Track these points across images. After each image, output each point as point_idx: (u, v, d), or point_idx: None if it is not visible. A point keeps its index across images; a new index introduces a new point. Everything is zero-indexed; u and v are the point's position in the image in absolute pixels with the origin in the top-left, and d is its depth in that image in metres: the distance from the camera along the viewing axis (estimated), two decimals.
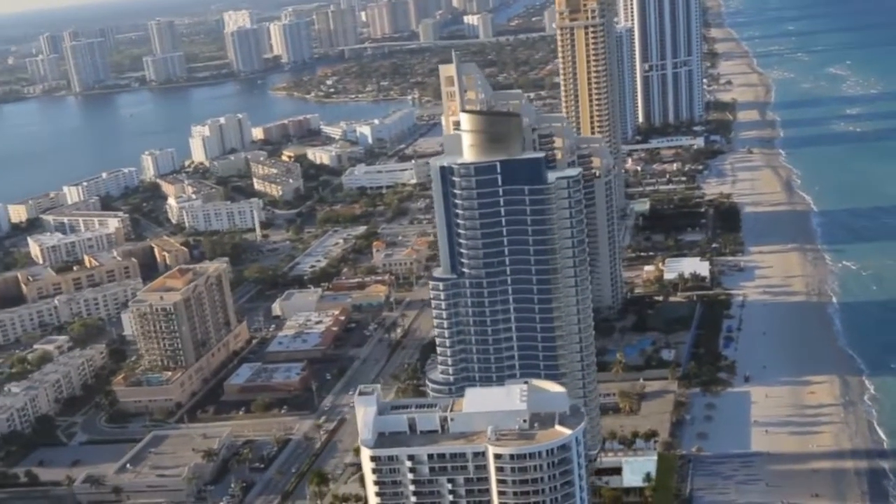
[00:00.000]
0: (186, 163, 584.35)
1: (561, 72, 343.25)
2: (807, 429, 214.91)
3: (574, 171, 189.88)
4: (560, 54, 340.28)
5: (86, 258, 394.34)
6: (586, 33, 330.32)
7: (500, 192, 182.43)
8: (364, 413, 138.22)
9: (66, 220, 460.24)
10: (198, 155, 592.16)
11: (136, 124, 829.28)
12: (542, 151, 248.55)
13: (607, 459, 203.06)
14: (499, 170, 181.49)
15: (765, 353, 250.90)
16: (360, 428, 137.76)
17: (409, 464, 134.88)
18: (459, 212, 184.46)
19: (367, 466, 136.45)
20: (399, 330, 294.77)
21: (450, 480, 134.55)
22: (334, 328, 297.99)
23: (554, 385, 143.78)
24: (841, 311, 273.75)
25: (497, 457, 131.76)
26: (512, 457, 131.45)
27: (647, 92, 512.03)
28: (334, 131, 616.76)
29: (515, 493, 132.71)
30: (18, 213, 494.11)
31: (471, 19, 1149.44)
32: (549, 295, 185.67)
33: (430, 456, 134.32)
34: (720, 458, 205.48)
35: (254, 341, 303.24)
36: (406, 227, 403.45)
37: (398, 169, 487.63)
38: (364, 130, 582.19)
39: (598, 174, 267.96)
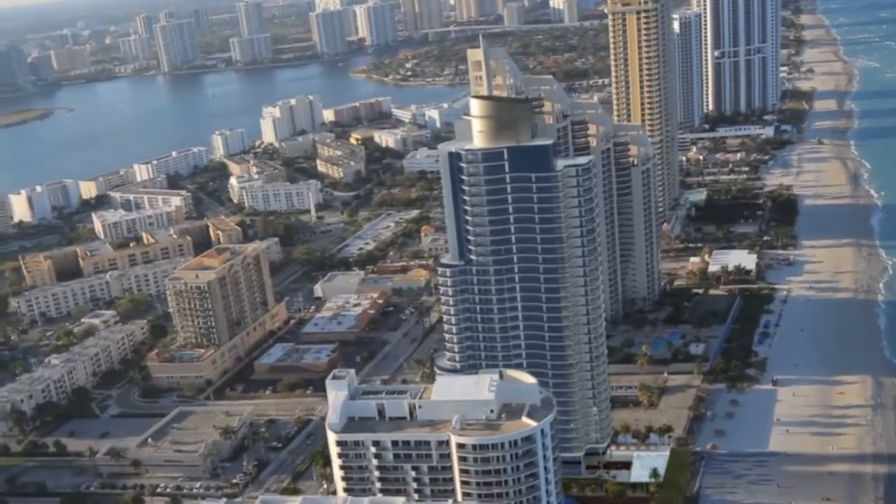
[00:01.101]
0: (256, 143, 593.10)
1: (612, 58, 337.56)
2: (830, 430, 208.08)
3: (585, 159, 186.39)
4: (611, 40, 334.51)
5: (144, 235, 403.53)
6: (638, 18, 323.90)
7: (508, 179, 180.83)
8: (335, 397, 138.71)
9: (131, 197, 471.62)
10: (268, 136, 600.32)
11: (217, 104, 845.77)
12: (577, 139, 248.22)
13: (618, 453, 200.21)
14: (506, 156, 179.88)
15: (799, 351, 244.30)
16: (330, 412, 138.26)
17: (374, 449, 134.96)
18: (467, 198, 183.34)
19: (334, 451, 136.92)
20: (434, 315, 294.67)
21: (414, 468, 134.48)
22: (371, 311, 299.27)
23: (526, 376, 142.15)
24: (887, 310, 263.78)
25: (460, 446, 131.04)
26: (475, 447, 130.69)
27: (718, 79, 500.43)
28: (404, 114, 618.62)
29: (478, 484, 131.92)
30: (89, 190, 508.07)
31: (556, 3, 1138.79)
32: (556, 284, 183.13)
33: (395, 443, 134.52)
34: (734, 457, 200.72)
35: (291, 322, 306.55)
36: None
37: None
38: (432, 114, 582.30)
39: (634, 162, 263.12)
